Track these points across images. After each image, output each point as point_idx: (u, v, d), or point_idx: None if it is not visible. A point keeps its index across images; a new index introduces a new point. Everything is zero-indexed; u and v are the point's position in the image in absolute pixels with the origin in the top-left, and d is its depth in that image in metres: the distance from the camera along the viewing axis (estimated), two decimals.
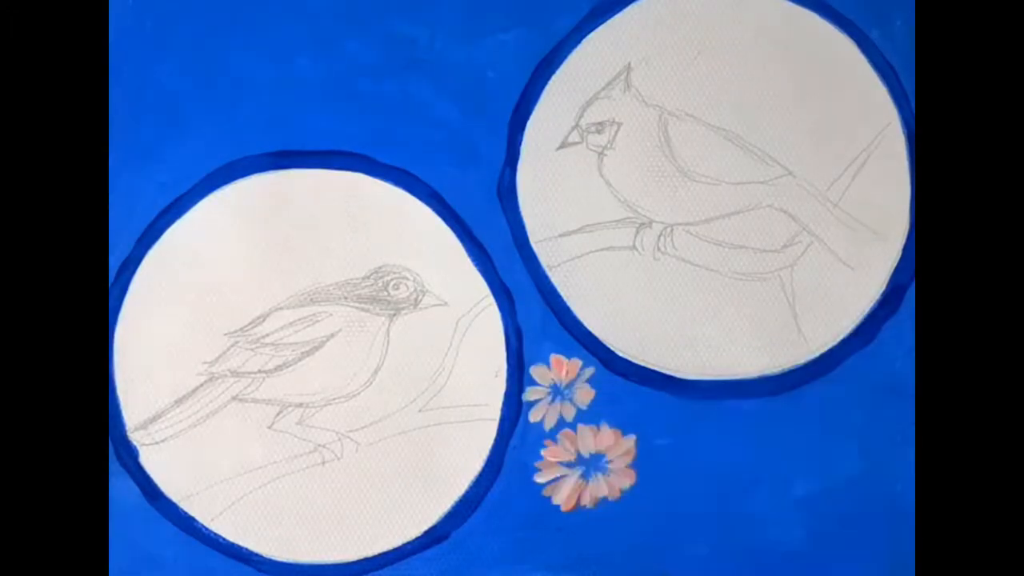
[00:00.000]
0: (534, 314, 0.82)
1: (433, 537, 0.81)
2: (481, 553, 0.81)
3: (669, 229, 0.82)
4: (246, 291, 0.82)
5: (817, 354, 0.81)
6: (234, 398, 0.82)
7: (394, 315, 0.82)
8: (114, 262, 0.82)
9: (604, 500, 0.81)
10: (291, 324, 0.82)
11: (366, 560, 0.81)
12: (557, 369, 0.82)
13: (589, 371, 0.81)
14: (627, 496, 0.81)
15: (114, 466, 0.81)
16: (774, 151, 0.82)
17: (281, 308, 0.82)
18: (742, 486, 0.81)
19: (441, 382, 0.82)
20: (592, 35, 0.82)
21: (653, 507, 0.81)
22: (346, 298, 0.82)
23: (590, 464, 0.81)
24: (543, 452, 0.81)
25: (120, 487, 0.81)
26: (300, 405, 0.82)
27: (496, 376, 0.82)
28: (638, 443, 0.81)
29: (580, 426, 0.81)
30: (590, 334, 0.81)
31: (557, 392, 0.81)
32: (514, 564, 0.81)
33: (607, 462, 0.81)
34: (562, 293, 0.82)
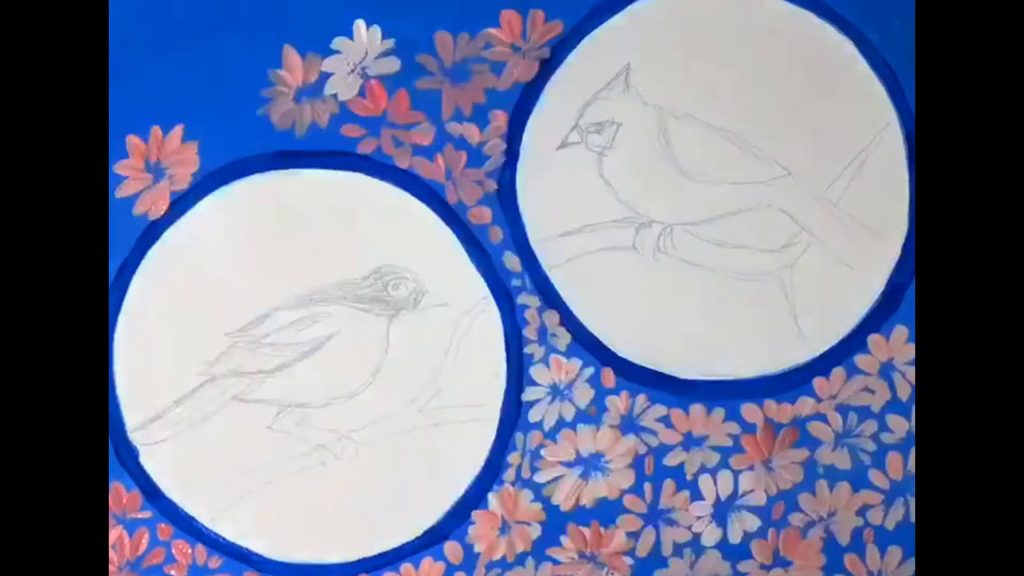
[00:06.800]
0: (534, 314, 0.82)
1: (433, 537, 0.81)
2: (481, 553, 0.81)
3: (669, 229, 0.82)
4: (246, 291, 0.82)
5: (817, 354, 0.81)
6: (234, 398, 0.82)
7: (394, 315, 0.82)
8: (114, 262, 0.82)
9: (603, 499, 0.81)
10: (291, 324, 0.82)
11: (366, 560, 0.81)
12: (556, 369, 0.82)
13: (589, 371, 0.81)
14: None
15: (114, 466, 0.81)
16: (773, 151, 0.82)
17: (281, 308, 0.82)
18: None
19: (441, 382, 0.81)
20: (592, 35, 0.82)
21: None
22: (346, 298, 0.82)
23: (589, 464, 0.81)
24: (543, 452, 0.81)
25: (120, 487, 0.81)
26: (300, 405, 0.82)
27: (496, 376, 0.81)
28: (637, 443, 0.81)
29: (580, 426, 0.81)
30: (590, 334, 0.81)
31: (557, 392, 0.81)
32: (514, 564, 0.81)
33: (606, 462, 0.81)
34: (562, 293, 0.82)
